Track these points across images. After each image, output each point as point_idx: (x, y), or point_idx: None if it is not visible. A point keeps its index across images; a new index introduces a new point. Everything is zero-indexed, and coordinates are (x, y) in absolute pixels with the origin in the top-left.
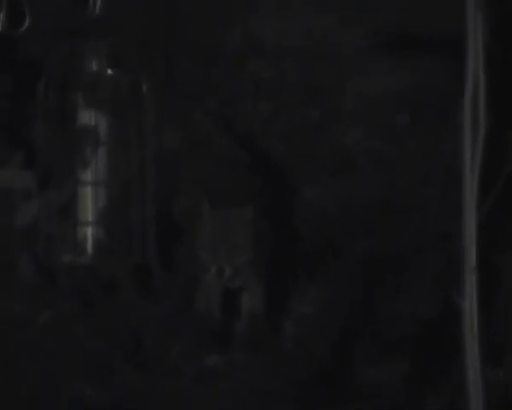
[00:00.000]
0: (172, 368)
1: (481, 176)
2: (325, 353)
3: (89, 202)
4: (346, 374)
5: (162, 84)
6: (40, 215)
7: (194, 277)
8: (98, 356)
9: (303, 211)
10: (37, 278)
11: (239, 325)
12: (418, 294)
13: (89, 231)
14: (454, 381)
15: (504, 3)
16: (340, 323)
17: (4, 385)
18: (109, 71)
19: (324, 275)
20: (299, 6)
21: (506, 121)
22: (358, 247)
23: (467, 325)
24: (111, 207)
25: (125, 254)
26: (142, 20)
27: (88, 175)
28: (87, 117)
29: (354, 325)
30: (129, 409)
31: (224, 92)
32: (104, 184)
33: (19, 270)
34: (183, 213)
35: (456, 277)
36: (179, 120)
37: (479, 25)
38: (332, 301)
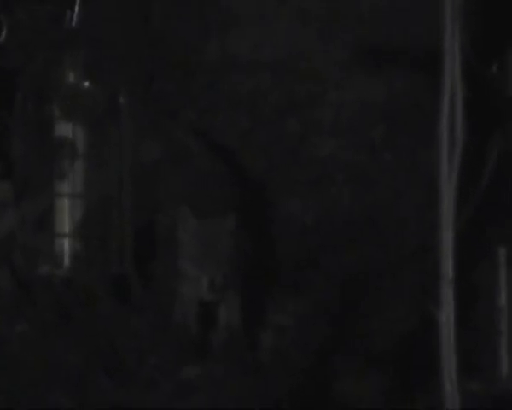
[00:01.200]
0: (149, 380)
1: (458, 188)
2: (302, 366)
3: (66, 214)
4: (323, 388)
5: (140, 97)
6: (17, 227)
7: (172, 289)
8: (75, 368)
9: (281, 223)
10: (13, 289)
11: (216, 338)
12: (396, 307)
13: (66, 243)
14: (431, 393)
15: (481, 16)
16: (317, 336)
17: None
18: (86, 83)
19: (302, 288)
20: (276, 20)
21: (483, 134)
22: (336, 260)
23: (444, 337)
24: (88, 220)
25: (102, 267)
26: (120, 32)
27: (65, 187)
28: (64, 129)
29: (332, 338)
30: None
31: (201, 105)
32: (81, 196)
33: None
34: (163, 225)
35: (433, 289)
36: (157, 133)
37: (456, 38)
38: (309, 314)
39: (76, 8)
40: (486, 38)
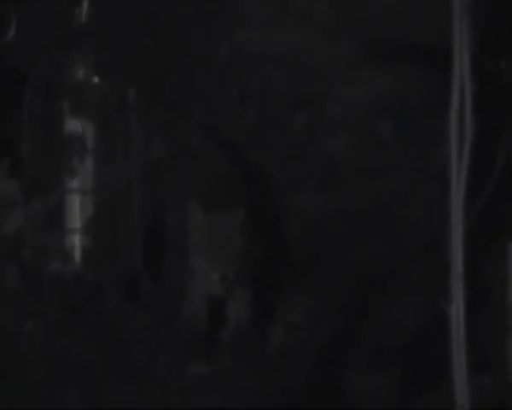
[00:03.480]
0: (158, 376)
1: (468, 184)
2: (311, 361)
3: (76, 210)
4: (332, 383)
5: (149, 94)
6: (26, 223)
7: (181, 285)
8: (83, 364)
9: (289, 219)
10: (23, 286)
11: (225, 334)
12: (405, 302)
13: (76, 240)
14: (442, 387)
15: (490, 14)
16: (326, 332)
17: None
18: (96, 79)
19: (311, 284)
20: (284, 18)
21: (492, 130)
22: (345, 255)
23: (454, 331)
24: (98, 216)
25: (112, 263)
26: (129, 29)
27: (75, 183)
28: (74, 125)
29: (341, 334)
30: None
31: (210, 102)
32: (91, 193)
33: (5, 278)
34: (172, 220)
35: (443, 284)
36: (166, 130)
37: (465, 35)
38: (319, 310)
39: (85, 6)
40: (495, 35)
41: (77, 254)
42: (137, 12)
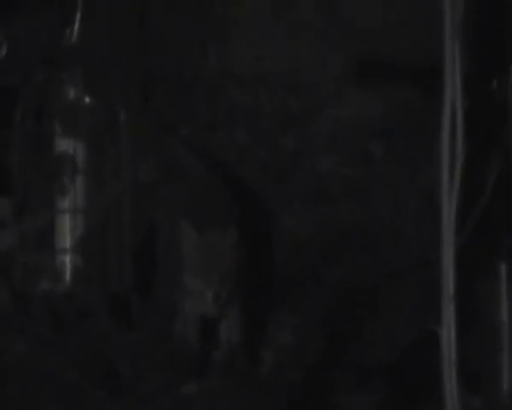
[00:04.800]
0: (148, 398)
1: (459, 204)
2: (303, 382)
3: (66, 230)
4: (324, 403)
5: (137, 113)
6: (16, 243)
7: (173, 305)
8: (73, 386)
9: (280, 239)
10: (13, 304)
11: (217, 354)
12: (396, 322)
13: (66, 259)
14: (431, 407)
15: (481, 32)
16: (317, 352)
17: None
18: (86, 99)
19: (300, 304)
20: (274, 34)
21: (483, 150)
22: (335, 275)
23: (445, 353)
24: (89, 236)
25: (102, 283)
26: (120, 50)
27: (65, 203)
28: (64, 145)
29: (332, 353)
30: None
31: (199, 121)
32: (82, 212)
33: None
34: (163, 240)
35: (434, 305)
36: (155, 149)
37: (456, 53)
38: (310, 329)
39: (76, 25)
40: (486, 54)
41: (67, 274)
42: (128, 32)
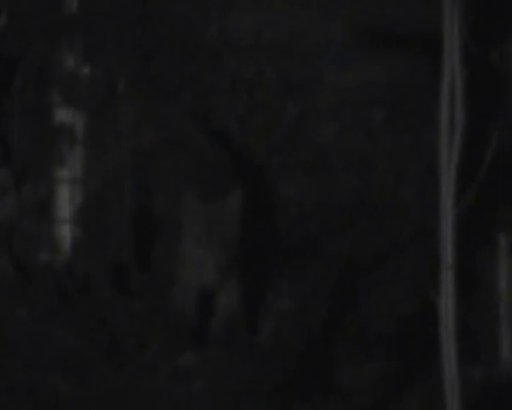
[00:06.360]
0: (148, 365)
1: (458, 174)
2: (303, 349)
3: (66, 200)
4: (323, 371)
5: (138, 82)
6: (17, 212)
7: (172, 275)
8: (74, 353)
9: (280, 208)
10: (14, 274)
11: (216, 322)
12: (395, 291)
13: (66, 229)
14: (431, 378)
15: (481, 3)
16: (317, 320)
17: None
18: (85, 69)
19: (302, 272)
20: (277, 1)
21: (483, 118)
22: (335, 244)
23: (443, 322)
24: (88, 205)
25: (102, 253)
26: (118, 17)
27: (65, 172)
28: (63, 115)
29: (332, 322)
30: (104, 406)
31: (200, 88)
32: (81, 182)
33: None
34: (164, 209)
35: (433, 274)
36: (156, 117)
37: (455, 23)
38: (310, 297)
39: None
40: (486, 25)
41: (67, 244)
42: (128, 1)
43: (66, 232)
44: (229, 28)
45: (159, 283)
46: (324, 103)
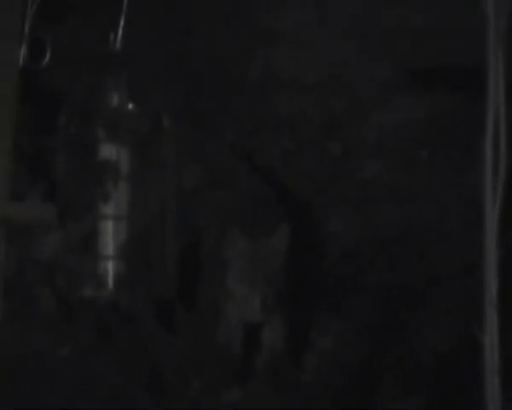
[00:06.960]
0: (192, 403)
1: (502, 209)
2: (345, 387)
3: (110, 236)
4: (366, 408)
5: (182, 119)
6: (60, 249)
7: (217, 311)
8: (117, 391)
9: (324, 245)
10: (57, 311)
11: (260, 360)
12: (439, 328)
13: (109, 265)
14: None
15: None
16: (360, 357)
17: None
18: (130, 105)
19: (346, 308)
20: (319, 37)
21: None
22: (379, 280)
23: (487, 360)
24: (132, 242)
25: (146, 289)
26: (163, 54)
27: (109, 209)
28: (108, 151)
29: (374, 358)
30: None
31: (244, 126)
32: (125, 219)
33: (40, 303)
34: (209, 245)
35: (477, 311)
36: (200, 154)
37: (500, 59)
38: (353, 334)
39: (120, 30)
40: None
41: (110, 280)
42: (171, 36)
43: (109, 268)
44: (272, 65)
45: (203, 318)
46: (367, 140)
